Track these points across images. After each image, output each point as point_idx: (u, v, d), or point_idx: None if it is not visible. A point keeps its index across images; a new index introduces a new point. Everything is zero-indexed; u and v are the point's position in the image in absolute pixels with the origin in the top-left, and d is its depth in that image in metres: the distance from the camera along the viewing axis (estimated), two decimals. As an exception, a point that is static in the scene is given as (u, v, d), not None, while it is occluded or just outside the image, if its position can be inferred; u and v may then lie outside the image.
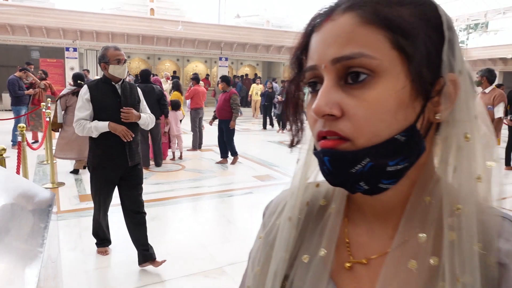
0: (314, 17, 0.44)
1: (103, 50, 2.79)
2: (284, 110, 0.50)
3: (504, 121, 6.48)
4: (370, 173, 0.39)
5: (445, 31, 0.40)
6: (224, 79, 6.48)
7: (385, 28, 0.38)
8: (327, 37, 0.41)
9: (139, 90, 2.99)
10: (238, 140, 8.48)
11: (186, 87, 12.80)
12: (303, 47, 0.45)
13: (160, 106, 5.87)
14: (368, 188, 0.40)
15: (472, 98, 0.40)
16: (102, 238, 3.14)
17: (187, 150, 7.50)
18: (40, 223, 1.87)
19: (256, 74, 19.44)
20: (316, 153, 0.43)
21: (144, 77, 5.96)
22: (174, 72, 18.29)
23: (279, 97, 10.36)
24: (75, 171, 5.62)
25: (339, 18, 0.40)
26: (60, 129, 5.37)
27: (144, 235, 2.94)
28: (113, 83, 2.77)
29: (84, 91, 2.74)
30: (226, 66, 18.20)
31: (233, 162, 6.61)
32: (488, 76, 4.80)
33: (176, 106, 6.75)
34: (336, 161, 0.40)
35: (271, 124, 11.79)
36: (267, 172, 6.24)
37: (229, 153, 6.66)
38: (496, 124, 4.71)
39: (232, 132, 6.53)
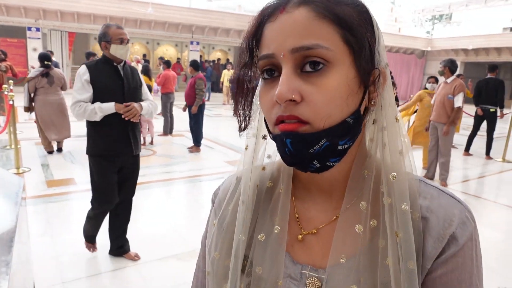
0: (266, 7, 0.47)
1: (104, 28, 2.53)
2: (234, 96, 0.53)
3: (498, 114, 6.87)
4: (324, 152, 0.44)
5: (375, 30, 0.47)
6: (192, 63, 6.43)
7: (336, 23, 0.43)
8: (284, 27, 0.44)
9: (139, 72, 2.81)
10: (210, 126, 8.48)
11: (156, 71, 12.57)
12: (254, 35, 0.48)
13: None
14: (319, 167, 0.46)
15: (392, 88, 0.49)
16: (91, 234, 2.86)
17: (158, 135, 7.43)
18: (10, 208, 1.86)
19: (228, 60, 19.28)
20: (277, 136, 0.46)
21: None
22: (144, 55, 17.84)
23: None
24: (58, 150, 5.86)
25: (294, 10, 0.44)
26: (30, 112, 5.41)
27: (125, 225, 2.89)
28: (115, 64, 2.56)
29: (83, 71, 2.48)
30: (198, 51, 17.92)
31: (193, 151, 6.44)
32: (450, 67, 5.01)
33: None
34: (298, 143, 0.44)
35: None
36: (239, 157, 6.30)
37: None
38: (456, 112, 4.95)
39: (197, 118, 6.42)
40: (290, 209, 0.53)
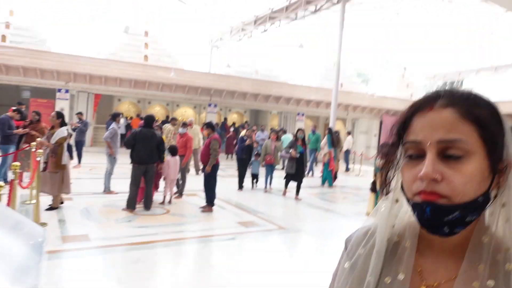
0: (417, 102, 0.62)
1: None
2: (383, 166, 0.68)
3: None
4: (455, 221, 0.56)
5: (505, 127, 0.59)
6: (208, 125, 6.74)
7: (475, 123, 0.56)
8: (432, 123, 0.57)
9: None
10: (223, 186, 8.61)
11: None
12: (404, 123, 0.62)
13: (158, 152, 6.36)
14: (447, 232, 0.57)
15: None
16: None
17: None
18: (34, 257, 1.97)
19: (246, 122, 19.93)
20: (417, 204, 0.57)
21: (148, 122, 6.48)
22: (167, 116, 18.60)
23: (293, 152, 7.96)
24: (51, 208, 5.81)
25: (441, 111, 0.58)
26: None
27: None
28: None
29: None
30: (215, 113, 18.65)
31: (205, 210, 6.46)
32: None
33: (175, 151, 7.06)
34: (435, 211, 0.55)
35: (240, 185, 8.86)
36: (251, 219, 6.33)
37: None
38: None
39: (211, 178, 6.55)
40: (414, 261, 0.64)
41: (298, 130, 8.57)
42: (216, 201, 6.68)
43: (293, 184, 8.17)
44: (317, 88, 20.45)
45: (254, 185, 9.18)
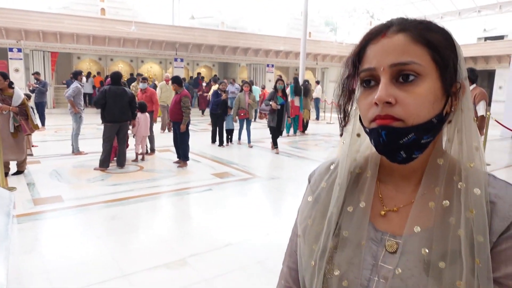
0: (370, 32, 0.62)
1: None
2: (338, 100, 0.69)
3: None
4: (411, 144, 0.57)
5: (457, 51, 0.60)
6: (175, 80, 6.48)
7: (427, 46, 0.57)
8: (385, 48, 0.58)
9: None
10: (196, 140, 8.55)
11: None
12: (358, 54, 0.62)
13: (130, 109, 6.21)
14: (405, 157, 0.58)
15: (470, 95, 0.62)
16: None
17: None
18: (3, 221, 1.91)
19: (215, 75, 19.46)
20: (373, 129, 0.58)
21: (115, 79, 6.18)
22: (131, 74, 17.87)
23: (273, 104, 7.66)
24: (18, 172, 5.63)
25: (393, 36, 0.58)
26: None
27: None
28: None
29: None
30: (182, 67, 18.08)
31: (181, 166, 6.45)
32: (470, 76, 5.01)
33: (144, 108, 6.92)
34: (391, 134, 0.56)
35: (221, 141, 8.58)
36: (226, 170, 6.39)
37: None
38: (480, 121, 4.94)
39: (184, 135, 6.50)
40: (375, 190, 0.66)
41: (278, 80, 8.04)
42: (190, 155, 6.65)
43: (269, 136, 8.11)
44: (285, 38, 20.07)
45: (229, 142, 8.91)
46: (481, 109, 4.98)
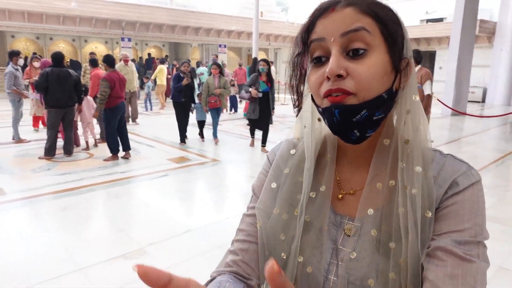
0: (319, 7, 0.60)
1: None
2: (290, 79, 0.67)
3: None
4: (364, 122, 0.56)
5: (403, 28, 0.60)
6: (106, 60, 5.76)
7: (376, 19, 0.57)
8: (335, 19, 0.57)
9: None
10: (149, 123, 8.27)
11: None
12: (307, 29, 0.61)
13: (76, 92, 5.78)
14: (358, 135, 0.58)
15: (415, 74, 0.63)
16: None
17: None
18: None
19: (167, 56, 18.77)
20: (326, 108, 0.57)
21: (57, 60, 5.64)
22: (34, 53, 16.69)
23: (253, 91, 5.99)
24: None
25: (342, 9, 0.57)
26: None
27: None
28: None
29: None
30: (130, 47, 17.22)
31: (108, 160, 5.74)
32: (416, 57, 5.20)
33: (86, 91, 6.49)
34: (344, 112, 0.56)
35: (183, 136, 7.02)
36: (181, 154, 6.27)
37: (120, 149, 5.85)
38: (426, 100, 5.18)
39: (106, 125, 5.71)
40: (334, 173, 0.66)
41: (260, 61, 6.31)
42: (142, 140, 6.42)
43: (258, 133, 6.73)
44: (237, 18, 19.77)
45: (202, 137, 7.36)
46: (427, 88, 5.26)
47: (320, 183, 0.66)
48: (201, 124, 7.34)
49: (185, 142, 6.98)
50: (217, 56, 15.03)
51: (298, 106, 0.69)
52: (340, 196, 0.66)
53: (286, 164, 0.70)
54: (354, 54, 0.56)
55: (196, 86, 7.62)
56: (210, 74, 7.13)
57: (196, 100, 7.14)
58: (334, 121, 0.57)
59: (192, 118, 7.28)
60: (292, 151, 0.70)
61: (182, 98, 6.76)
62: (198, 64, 14.58)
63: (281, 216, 0.66)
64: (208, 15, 19.22)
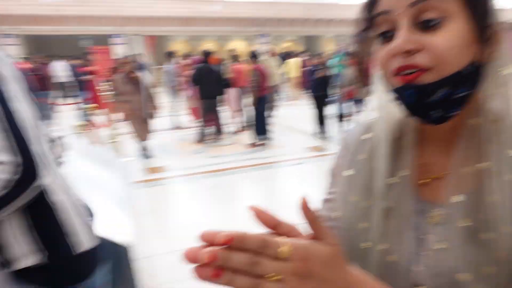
0: None
1: None
2: (357, 64, 0.66)
3: None
4: (442, 101, 0.49)
5: None
6: (251, 55, 6.35)
7: None
8: None
9: None
10: (283, 114, 8.55)
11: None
12: (370, 3, 0.53)
13: (220, 85, 6.43)
14: (439, 116, 0.51)
15: (506, 44, 0.53)
16: None
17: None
18: (126, 187, 2.18)
19: (304, 51, 19.19)
20: (397, 89, 0.51)
21: (206, 57, 6.45)
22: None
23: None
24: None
25: None
26: None
27: None
28: None
29: None
30: (267, 43, 18.12)
31: (256, 145, 6.26)
32: None
33: (229, 84, 7.04)
34: (419, 92, 0.49)
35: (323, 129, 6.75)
36: (318, 144, 6.35)
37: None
38: None
39: (257, 112, 6.23)
40: (416, 156, 0.60)
41: None
42: (283, 128, 6.63)
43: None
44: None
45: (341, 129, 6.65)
46: None
47: (399, 168, 0.59)
48: (339, 116, 6.81)
49: (323, 133, 6.79)
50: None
51: (367, 86, 0.62)
52: (423, 181, 0.58)
53: (360, 149, 0.64)
54: (426, 26, 0.47)
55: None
56: (341, 65, 6.83)
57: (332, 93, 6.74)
58: (408, 101, 0.51)
59: (330, 110, 6.95)
60: (366, 136, 0.64)
61: (318, 91, 6.63)
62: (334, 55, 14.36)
63: (359, 204, 0.61)
64: (342, 6, 18.82)
